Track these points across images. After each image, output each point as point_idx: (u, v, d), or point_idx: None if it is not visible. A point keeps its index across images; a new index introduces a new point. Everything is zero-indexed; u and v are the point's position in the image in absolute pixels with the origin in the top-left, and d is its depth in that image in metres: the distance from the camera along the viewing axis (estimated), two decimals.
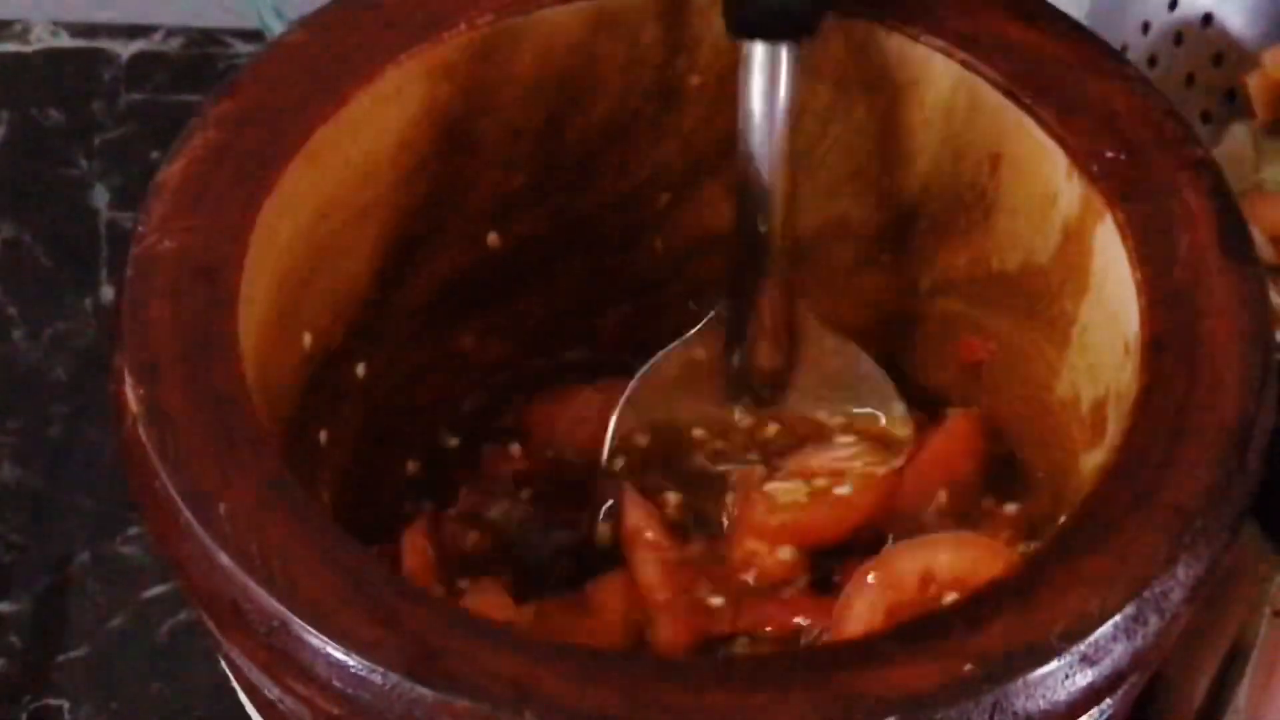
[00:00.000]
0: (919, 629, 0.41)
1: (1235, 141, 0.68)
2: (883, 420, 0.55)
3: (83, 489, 0.68)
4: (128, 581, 0.66)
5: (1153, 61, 0.67)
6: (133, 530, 0.67)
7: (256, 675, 0.42)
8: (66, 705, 0.63)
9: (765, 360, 0.55)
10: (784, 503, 0.53)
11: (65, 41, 0.80)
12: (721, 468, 0.55)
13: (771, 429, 0.55)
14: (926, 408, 0.56)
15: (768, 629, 0.51)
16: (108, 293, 0.73)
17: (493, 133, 0.53)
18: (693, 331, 0.55)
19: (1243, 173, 0.66)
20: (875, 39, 0.52)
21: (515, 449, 0.56)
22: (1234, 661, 0.54)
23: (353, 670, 0.40)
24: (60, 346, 0.72)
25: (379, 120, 0.51)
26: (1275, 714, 0.54)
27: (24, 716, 0.63)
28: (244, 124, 0.49)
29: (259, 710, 0.45)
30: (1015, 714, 0.39)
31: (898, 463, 0.54)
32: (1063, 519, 0.43)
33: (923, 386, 0.56)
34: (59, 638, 0.65)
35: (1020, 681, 0.39)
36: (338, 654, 0.40)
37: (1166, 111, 0.50)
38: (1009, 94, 0.51)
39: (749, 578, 0.52)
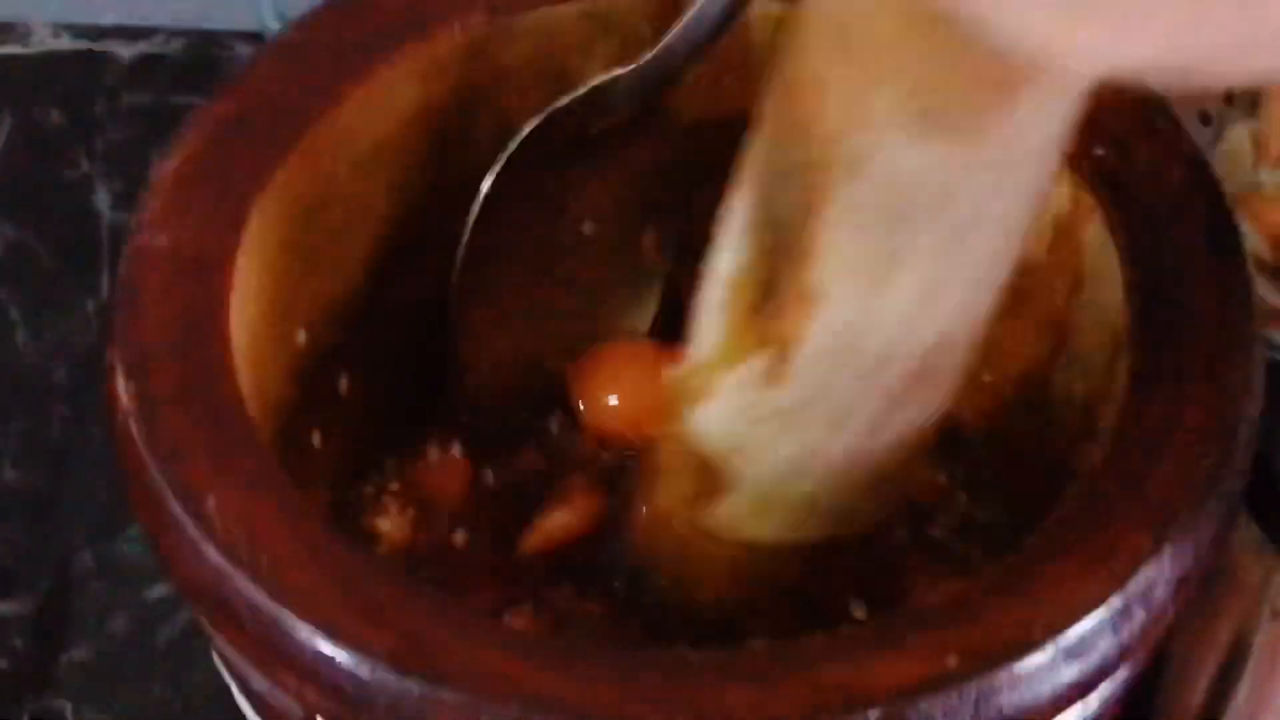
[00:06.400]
0: (903, 622, 0.41)
1: (1233, 142, 0.67)
2: None
3: (84, 490, 0.68)
4: (130, 582, 0.66)
5: None
6: (134, 531, 0.67)
7: (246, 668, 0.42)
8: (69, 706, 0.63)
9: None
10: None
11: (67, 43, 0.81)
12: None
13: None
14: None
15: None
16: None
17: (487, 131, 0.53)
18: None
19: (1241, 173, 0.66)
20: None
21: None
22: (1234, 661, 0.54)
23: (341, 663, 0.40)
24: (62, 348, 0.72)
25: (373, 119, 0.51)
26: (1275, 714, 0.54)
27: (26, 717, 0.63)
28: (239, 122, 0.49)
29: (250, 702, 0.45)
30: (999, 707, 0.39)
31: None
32: (1051, 513, 0.43)
33: None
34: (61, 638, 0.65)
35: (1004, 675, 0.40)
36: (326, 647, 0.40)
37: (1156, 107, 0.50)
38: None
39: None
